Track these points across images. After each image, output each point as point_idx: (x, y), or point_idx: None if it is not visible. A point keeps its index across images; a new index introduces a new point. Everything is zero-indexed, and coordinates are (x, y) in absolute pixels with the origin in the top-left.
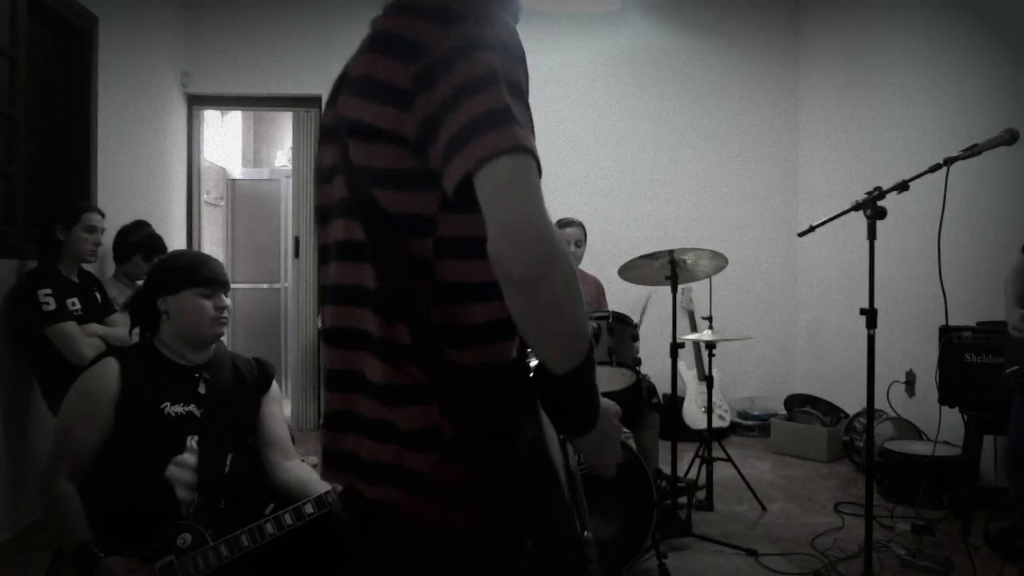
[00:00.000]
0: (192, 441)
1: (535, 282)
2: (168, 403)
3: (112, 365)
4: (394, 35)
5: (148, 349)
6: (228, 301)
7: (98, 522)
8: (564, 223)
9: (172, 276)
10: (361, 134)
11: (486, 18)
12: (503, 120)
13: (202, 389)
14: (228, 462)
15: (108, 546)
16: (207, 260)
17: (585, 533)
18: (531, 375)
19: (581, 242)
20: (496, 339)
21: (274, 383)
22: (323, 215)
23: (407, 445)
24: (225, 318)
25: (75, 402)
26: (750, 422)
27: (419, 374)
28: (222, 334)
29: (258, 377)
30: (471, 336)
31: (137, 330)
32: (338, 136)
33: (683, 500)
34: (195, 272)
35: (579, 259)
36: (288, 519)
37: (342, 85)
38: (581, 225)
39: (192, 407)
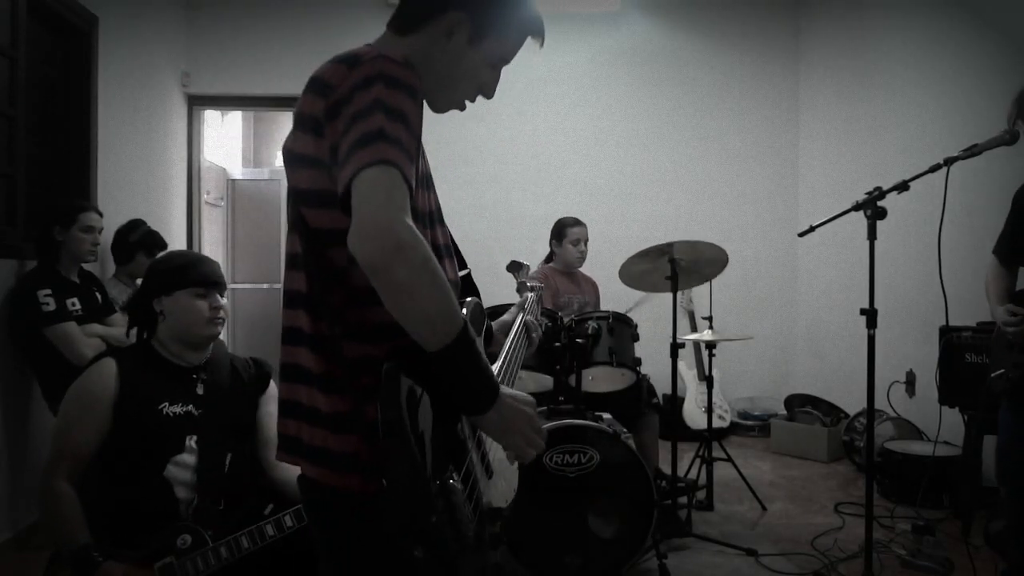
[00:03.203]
0: (191, 441)
1: (378, 268)
2: (167, 403)
3: (110, 365)
4: (319, 78)
5: (146, 349)
6: (223, 301)
7: (97, 522)
8: (572, 222)
9: (165, 277)
10: (292, 161)
11: (381, 58)
12: (375, 139)
13: (200, 389)
14: (227, 462)
15: (107, 550)
16: (200, 260)
17: (447, 481)
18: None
19: (587, 241)
20: (403, 334)
21: (272, 383)
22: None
23: (331, 428)
24: (220, 318)
25: (73, 402)
26: (750, 422)
27: (337, 365)
28: (218, 334)
29: (256, 377)
30: (382, 333)
31: (135, 330)
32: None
33: (683, 500)
34: (188, 272)
35: (584, 257)
36: (288, 521)
37: None
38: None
39: (191, 407)
